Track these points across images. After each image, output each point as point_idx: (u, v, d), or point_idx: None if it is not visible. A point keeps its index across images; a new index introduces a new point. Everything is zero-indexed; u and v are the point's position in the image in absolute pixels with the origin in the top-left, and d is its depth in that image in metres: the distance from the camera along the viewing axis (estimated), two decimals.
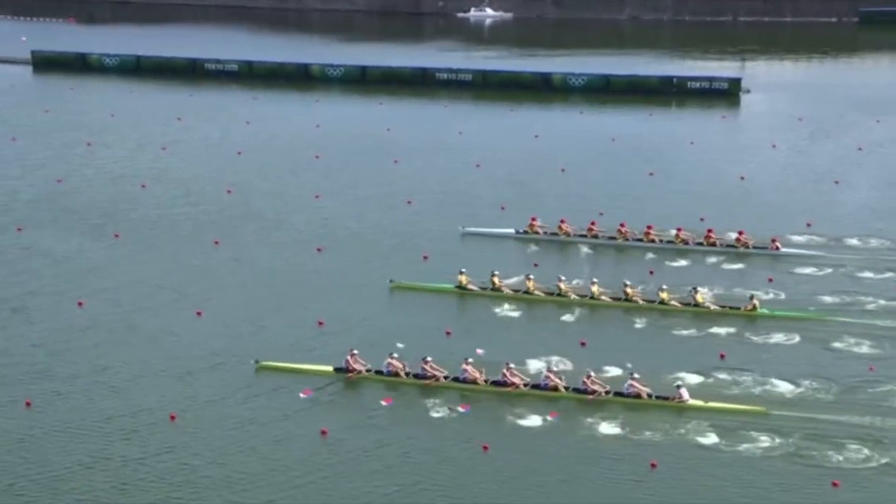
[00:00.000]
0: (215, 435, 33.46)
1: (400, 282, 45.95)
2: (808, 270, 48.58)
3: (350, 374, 37.07)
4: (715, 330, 41.87)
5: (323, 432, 33.64)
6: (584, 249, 51.67)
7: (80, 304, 43.80)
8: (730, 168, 67.83)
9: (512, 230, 52.91)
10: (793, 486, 31.35)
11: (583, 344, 40.16)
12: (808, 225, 54.60)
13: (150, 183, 62.83)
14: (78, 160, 68.91)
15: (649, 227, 52.01)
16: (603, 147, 73.43)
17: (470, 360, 37.01)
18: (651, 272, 48.04)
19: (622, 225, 52.37)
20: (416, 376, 36.87)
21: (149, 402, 35.32)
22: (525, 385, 36.29)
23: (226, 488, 30.72)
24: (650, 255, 50.72)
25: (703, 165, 68.91)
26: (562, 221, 52.84)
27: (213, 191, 61.35)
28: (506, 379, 36.34)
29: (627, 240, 51.63)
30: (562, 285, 44.49)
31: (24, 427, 33.66)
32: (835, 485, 31.19)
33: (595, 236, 52.19)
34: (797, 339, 41.06)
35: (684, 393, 35.37)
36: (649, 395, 35.50)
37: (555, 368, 36.78)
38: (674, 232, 51.78)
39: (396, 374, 36.92)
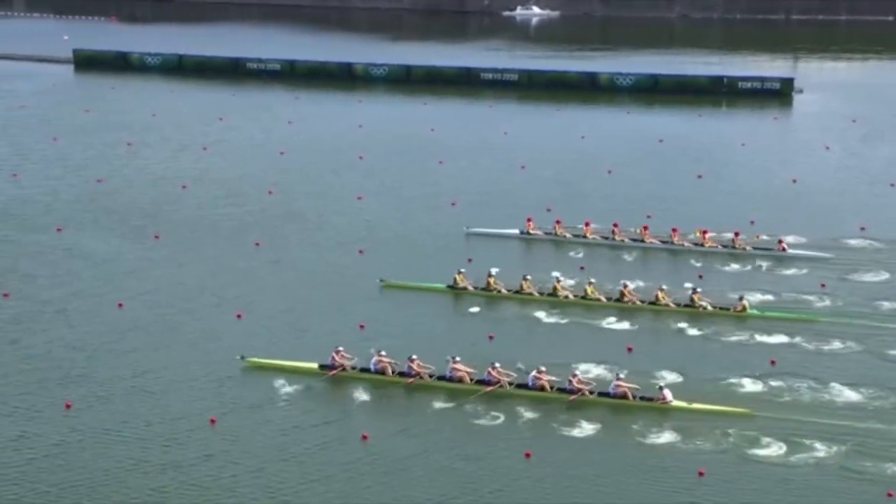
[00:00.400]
0: (256, 441, 33.45)
1: (390, 281, 46.33)
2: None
3: (333, 372, 37.35)
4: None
5: (364, 437, 33.58)
6: (614, 251, 51.52)
7: (119, 305, 44.02)
8: (781, 170, 67.20)
9: (516, 230, 53.24)
10: (845, 493, 31.01)
11: (630, 350, 39.94)
12: (862, 228, 53.96)
13: (190, 183, 63.13)
14: (118, 160, 69.39)
15: (645, 228, 52.05)
16: (650, 148, 73.03)
17: (458, 358, 37.07)
18: (700, 276, 47.43)
19: (615, 225, 52.44)
20: (402, 374, 37.13)
21: (188, 407, 35.38)
22: (511, 384, 36.35)
23: (266, 497, 30.63)
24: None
25: (753, 167, 68.34)
26: (557, 222, 53.18)
27: (254, 191, 61.53)
28: (491, 377, 36.45)
29: (623, 240, 51.78)
30: (558, 285, 44.80)
31: (62, 431, 33.71)
32: (890, 496, 30.69)
33: (603, 237, 52.21)
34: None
35: (668, 394, 35.39)
36: (634, 396, 35.51)
37: (543, 368, 36.53)
38: (677, 232, 51.82)
39: (383, 372, 37.17)
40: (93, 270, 48.38)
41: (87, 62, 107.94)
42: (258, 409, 35.32)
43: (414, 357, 37.26)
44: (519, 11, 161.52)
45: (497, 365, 36.82)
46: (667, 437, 33.72)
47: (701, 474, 31.65)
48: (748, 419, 34.47)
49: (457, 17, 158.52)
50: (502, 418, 34.83)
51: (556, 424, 34.43)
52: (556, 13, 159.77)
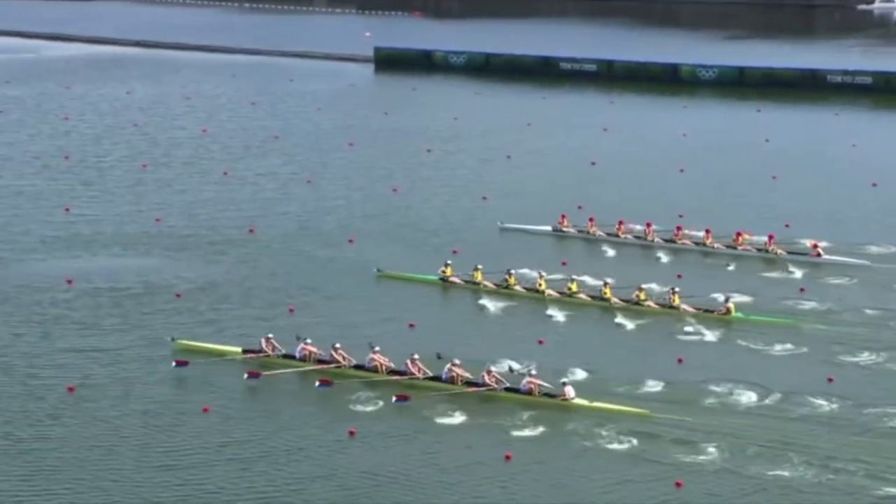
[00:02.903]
0: (554, 477, 33.61)
1: (386, 271, 50.77)
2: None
3: (256, 356, 41.31)
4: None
5: (677, 485, 33.17)
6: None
7: (410, 325, 45.15)
8: None
9: (549, 227, 57.87)
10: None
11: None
12: None
13: (492, 195, 64.20)
14: (416, 168, 71.48)
15: (679, 228, 55.30)
16: None
17: (377, 348, 40.20)
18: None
19: (648, 225, 55.96)
20: (324, 362, 40.72)
21: (485, 442, 35.73)
22: (426, 378, 39.36)
23: None
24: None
25: None
26: (590, 220, 57.14)
27: (561, 206, 61.72)
28: (406, 369, 39.71)
29: (654, 240, 55.27)
30: (542, 282, 48.51)
31: (347, 465, 34.50)
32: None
33: (636, 237, 56.03)
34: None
35: (569, 391, 37.84)
36: (538, 393, 38.15)
37: (458, 362, 39.26)
38: (701, 234, 55.15)
39: (305, 360, 40.94)
40: (397, 288, 49.73)
41: (388, 61, 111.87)
42: (555, 443, 35.57)
43: (337, 345, 40.60)
44: (878, 4, 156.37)
45: (416, 357, 39.74)
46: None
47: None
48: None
49: (802, 12, 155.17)
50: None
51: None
52: None
